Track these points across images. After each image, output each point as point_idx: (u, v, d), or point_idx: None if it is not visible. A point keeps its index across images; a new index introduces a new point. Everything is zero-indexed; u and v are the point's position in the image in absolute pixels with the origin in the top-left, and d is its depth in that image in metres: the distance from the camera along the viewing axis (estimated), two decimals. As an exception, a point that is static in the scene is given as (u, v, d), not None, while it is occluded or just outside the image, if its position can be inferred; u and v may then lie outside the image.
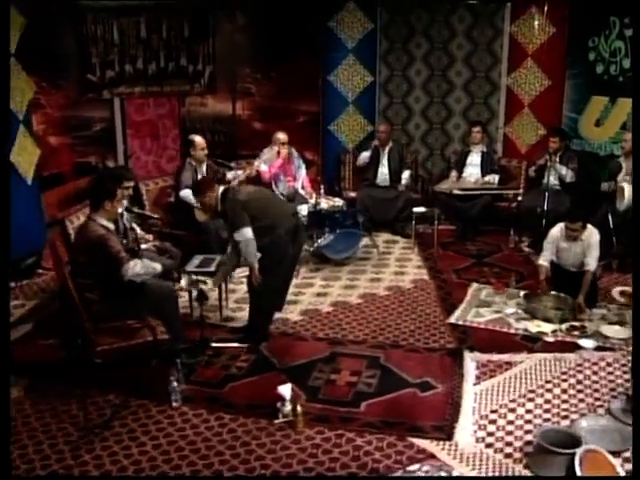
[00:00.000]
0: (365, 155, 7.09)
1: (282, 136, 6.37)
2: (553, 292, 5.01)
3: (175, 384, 3.77)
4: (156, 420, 3.65)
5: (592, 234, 4.96)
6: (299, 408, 3.54)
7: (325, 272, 5.87)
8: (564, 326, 4.69)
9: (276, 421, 3.57)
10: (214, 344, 4.47)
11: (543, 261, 5.09)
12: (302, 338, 4.63)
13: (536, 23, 7.51)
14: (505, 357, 4.31)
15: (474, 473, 3.19)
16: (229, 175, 6.02)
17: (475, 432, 3.51)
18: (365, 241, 6.26)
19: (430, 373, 4.10)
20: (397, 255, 6.30)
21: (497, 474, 3.18)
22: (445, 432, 3.50)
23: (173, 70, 7.96)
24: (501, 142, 8.05)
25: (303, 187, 6.47)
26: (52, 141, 7.10)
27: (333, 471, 3.21)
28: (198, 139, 5.82)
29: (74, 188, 7.63)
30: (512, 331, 4.71)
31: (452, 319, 4.89)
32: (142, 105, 7.89)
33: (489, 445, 3.41)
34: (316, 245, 5.85)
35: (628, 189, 5.79)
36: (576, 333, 4.62)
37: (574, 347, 4.45)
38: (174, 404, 3.77)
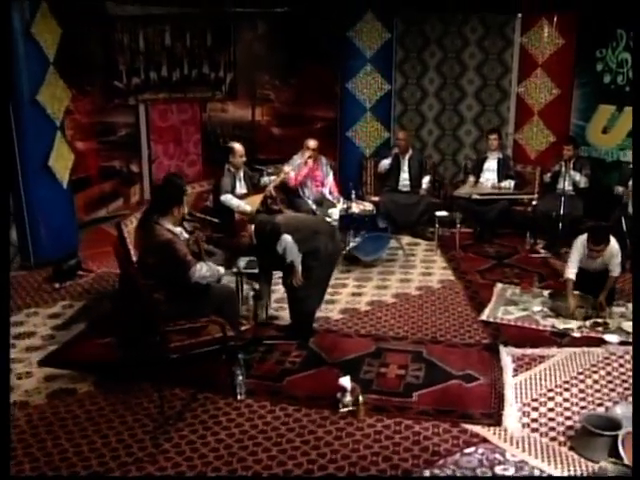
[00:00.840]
0: (385, 162, 7.39)
1: (312, 143, 6.65)
2: (576, 292, 5.33)
3: (240, 378, 4.03)
4: (225, 412, 3.92)
5: (612, 246, 5.20)
6: (361, 398, 3.83)
7: (356, 273, 6.17)
8: (588, 323, 5.03)
9: (342, 410, 3.85)
10: (266, 341, 4.73)
11: (571, 275, 5.23)
12: (346, 335, 4.92)
13: (546, 34, 7.85)
14: (537, 351, 4.64)
15: (524, 455, 3.51)
16: (264, 179, 6.29)
17: (520, 418, 3.84)
18: (392, 244, 6.55)
19: (471, 366, 4.41)
20: (421, 257, 6.61)
21: (545, 456, 3.50)
22: (494, 418, 3.82)
23: (196, 77, 8.26)
24: (511, 148, 8.39)
25: (331, 192, 6.74)
26: (80, 146, 7.34)
27: (397, 454, 3.51)
28: (237, 146, 6.08)
29: (99, 191, 7.89)
30: (540, 327, 5.04)
31: (483, 316, 5.21)
32: (165, 111, 8.17)
33: (535, 430, 3.74)
34: (349, 247, 6.14)
35: (638, 193, 6.14)
36: (600, 329, 4.96)
37: (599, 342, 4.79)
38: (239, 397, 4.04)
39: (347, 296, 5.63)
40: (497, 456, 3.50)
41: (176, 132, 8.30)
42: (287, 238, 4.59)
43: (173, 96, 8.16)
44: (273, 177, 6.30)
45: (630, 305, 5.44)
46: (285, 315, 5.23)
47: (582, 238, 5.26)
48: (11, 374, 4.24)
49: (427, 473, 3.36)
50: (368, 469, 3.40)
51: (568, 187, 6.83)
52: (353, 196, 6.43)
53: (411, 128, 8.74)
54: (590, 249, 5.16)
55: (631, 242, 6.14)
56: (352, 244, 6.16)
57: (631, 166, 6.56)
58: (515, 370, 4.40)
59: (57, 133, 6.40)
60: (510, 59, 8.31)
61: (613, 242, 5.23)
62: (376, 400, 4.02)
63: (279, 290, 5.64)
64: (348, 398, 3.89)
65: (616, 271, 5.20)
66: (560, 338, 4.86)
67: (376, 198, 7.21)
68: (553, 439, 3.65)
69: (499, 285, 5.85)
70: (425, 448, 3.56)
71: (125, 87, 7.75)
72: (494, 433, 3.69)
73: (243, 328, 4.70)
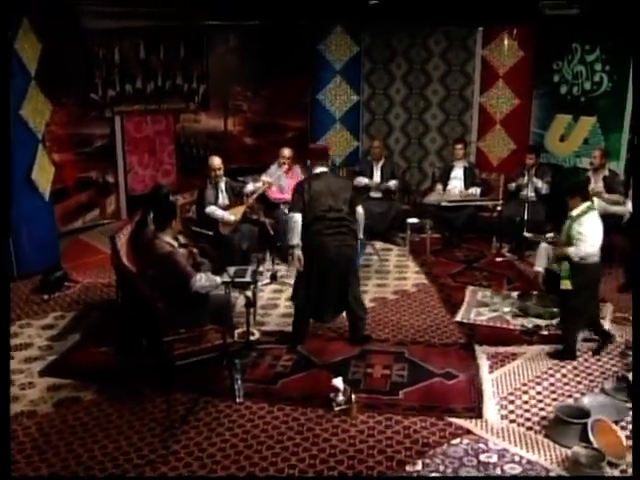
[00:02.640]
0: (361, 181, 7.63)
1: (287, 152, 6.93)
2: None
3: (239, 382, 4.28)
4: (226, 414, 4.17)
5: None
6: (354, 397, 4.14)
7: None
8: (554, 321, 5.45)
9: (336, 408, 4.15)
10: (259, 346, 4.99)
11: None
12: (332, 338, 5.22)
13: (506, 47, 8.31)
14: (510, 349, 5.03)
15: (505, 443, 3.88)
16: (249, 187, 6.50)
17: (499, 410, 4.21)
18: (367, 249, 6.87)
19: (450, 364, 4.77)
20: (395, 262, 6.95)
21: (523, 443, 3.87)
22: (475, 412, 4.18)
23: (170, 89, 8.42)
24: (474, 155, 8.83)
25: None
26: (57, 157, 7.43)
27: (391, 447, 3.84)
28: (213, 161, 6.31)
29: (76, 202, 8.00)
30: (511, 327, 5.43)
31: (458, 318, 5.59)
32: (140, 122, 8.31)
33: (512, 420, 4.11)
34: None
35: (597, 203, 6.60)
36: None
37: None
38: (238, 400, 4.29)
39: (329, 301, 5.91)
40: (481, 445, 3.85)
41: (150, 143, 8.45)
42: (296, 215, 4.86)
43: (148, 108, 8.30)
44: (258, 184, 6.50)
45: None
46: (271, 320, 5.50)
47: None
48: (14, 385, 4.39)
49: (419, 463, 3.68)
50: (365, 461, 3.71)
51: (530, 193, 7.28)
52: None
53: (379, 137, 9.09)
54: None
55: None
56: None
57: (588, 174, 7.02)
58: (491, 367, 4.77)
59: (39, 146, 6.50)
60: (472, 70, 8.75)
61: None
62: (366, 398, 4.33)
63: (262, 297, 5.93)
64: (341, 397, 4.19)
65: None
66: (530, 336, 5.26)
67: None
68: (530, 428, 4.03)
69: (470, 287, 6.23)
70: (415, 440, 3.88)
71: (101, 99, 7.87)
72: (476, 425, 4.05)
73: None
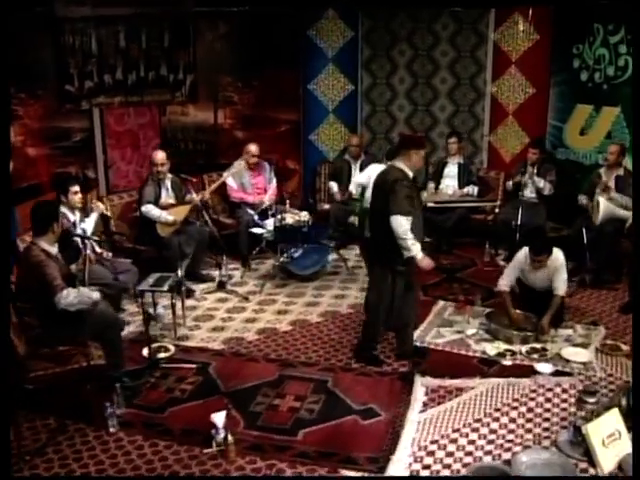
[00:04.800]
0: (334, 188, 6.94)
1: (253, 148, 6.33)
2: (518, 311, 4.87)
3: (110, 410, 3.71)
4: (90, 446, 3.60)
5: (557, 258, 4.80)
6: (230, 437, 3.47)
7: (290, 288, 5.79)
8: (524, 348, 4.57)
9: (205, 450, 3.49)
10: (164, 365, 4.40)
11: (504, 286, 4.89)
12: (254, 359, 4.56)
13: (520, 30, 7.34)
14: (457, 382, 4.19)
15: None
16: (188, 197, 5.90)
17: (410, 465, 3.41)
18: (335, 256, 6.15)
19: (376, 399, 4.00)
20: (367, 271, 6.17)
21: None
22: (379, 464, 3.40)
23: (153, 79, 7.89)
24: (486, 151, 7.91)
25: (271, 200, 6.37)
26: (30, 152, 7.08)
27: None
28: (156, 155, 5.79)
29: (53, 198, 7.65)
30: (470, 353, 4.59)
31: (410, 340, 4.77)
32: (122, 115, 7.85)
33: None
34: (281, 260, 5.76)
35: (603, 203, 5.64)
36: (535, 356, 4.49)
37: (531, 371, 4.31)
38: (111, 429, 3.71)
39: (271, 314, 5.26)
40: (367, 510, 3.09)
41: (134, 137, 7.98)
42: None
43: (129, 99, 7.83)
44: (194, 195, 5.87)
45: (579, 327, 4.96)
46: (198, 335, 4.90)
47: (525, 249, 4.83)
48: None
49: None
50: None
51: (530, 194, 6.36)
52: (287, 205, 6.04)
53: (381, 130, 8.34)
54: (532, 259, 4.72)
55: (590, 256, 5.66)
56: (286, 257, 5.75)
57: (599, 171, 6.04)
58: (425, 405, 3.96)
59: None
60: (484, 56, 7.81)
61: (558, 254, 4.78)
62: (257, 437, 3.65)
63: (201, 307, 5.34)
64: (221, 436, 3.53)
65: (561, 289, 4.73)
66: (488, 366, 4.41)
67: (327, 206, 6.80)
68: (440, 490, 3.23)
69: (440, 303, 5.40)
70: (289, 498, 3.17)
71: (77, 91, 7.46)
72: (374, 482, 3.28)
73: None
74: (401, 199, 4.04)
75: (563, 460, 3.41)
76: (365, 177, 5.57)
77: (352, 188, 5.92)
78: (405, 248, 4.11)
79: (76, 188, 4.89)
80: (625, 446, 3.41)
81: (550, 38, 7.27)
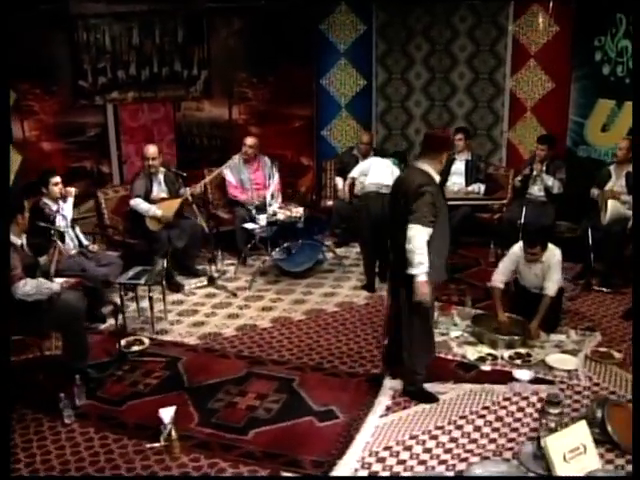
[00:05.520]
0: (339, 181, 6.79)
1: (250, 141, 6.30)
2: (507, 314, 4.63)
3: (65, 401, 3.69)
4: (42, 436, 3.60)
5: (553, 255, 4.55)
6: (174, 434, 3.39)
7: (282, 285, 5.69)
8: (507, 353, 4.32)
9: (148, 445, 3.43)
10: (133, 358, 4.37)
11: (498, 282, 4.69)
12: (225, 356, 4.47)
13: (539, 22, 7.03)
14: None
15: (336, 517, 2.95)
16: (182, 191, 5.87)
17: (356, 471, 3.25)
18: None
19: (339, 401, 3.85)
20: (362, 270, 6.00)
21: (361, 520, 2.92)
22: (323, 468, 3.26)
23: (167, 75, 7.94)
24: (505, 148, 7.62)
25: (273, 196, 6.27)
26: (45, 147, 7.23)
27: None
28: (148, 149, 5.79)
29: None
30: (449, 357, 4.38)
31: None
32: (136, 110, 7.92)
33: (367, 486, 3.15)
34: (272, 255, 5.67)
35: (611, 203, 5.31)
36: (518, 362, 4.24)
37: (510, 378, 4.07)
38: (66, 421, 3.70)
39: (255, 310, 5.17)
40: (300, 516, 2.96)
41: (148, 132, 8.03)
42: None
43: (143, 95, 7.89)
44: (187, 189, 5.84)
45: (573, 333, 4.67)
46: (177, 329, 4.86)
47: (521, 242, 4.60)
48: None
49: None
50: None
51: (539, 193, 6.06)
52: (279, 200, 5.95)
53: (396, 126, 8.15)
54: (525, 251, 4.53)
55: (596, 257, 5.35)
56: (275, 253, 5.65)
57: (609, 167, 5.71)
58: (388, 409, 3.79)
59: (-5, 134, 6.28)
60: (504, 50, 7.51)
61: (554, 251, 4.54)
62: (207, 435, 3.56)
63: (188, 301, 5.31)
64: (167, 431, 3.45)
65: (551, 289, 4.47)
66: (465, 371, 4.19)
67: (331, 202, 6.66)
68: (382, 499, 3.06)
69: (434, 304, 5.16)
70: (222, 499, 3.07)
71: (91, 87, 7.57)
72: (313, 486, 3.14)
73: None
74: (424, 207, 3.52)
75: (520, 474, 3.19)
76: (366, 166, 5.57)
77: (355, 174, 5.79)
78: (411, 262, 3.54)
79: (56, 179, 4.94)
80: (591, 462, 3.16)
81: (570, 30, 6.92)
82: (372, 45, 7.78)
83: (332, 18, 7.55)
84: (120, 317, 4.79)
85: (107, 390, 4.05)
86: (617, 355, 4.29)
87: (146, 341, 4.60)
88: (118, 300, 4.97)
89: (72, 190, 5.05)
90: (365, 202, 5.40)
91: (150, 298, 4.76)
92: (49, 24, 6.98)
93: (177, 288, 5.54)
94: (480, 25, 7.60)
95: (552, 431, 3.27)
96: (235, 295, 5.45)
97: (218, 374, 4.19)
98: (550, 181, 5.94)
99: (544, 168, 6.03)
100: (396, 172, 5.55)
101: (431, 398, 3.85)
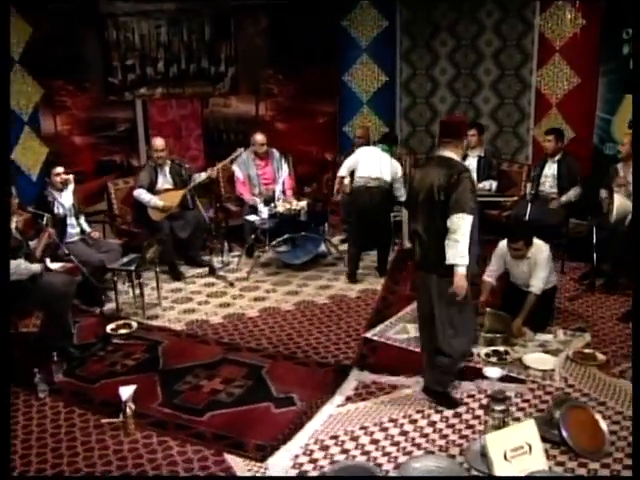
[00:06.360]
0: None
1: (259, 137, 6.35)
2: (489, 309, 4.51)
3: (40, 376, 3.89)
4: (15, 408, 3.78)
5: (540, 251, 4.42)
6: (128, 411, 3.52)
7: (280, 276, 5.76)
8: (484, 351, 4.22)
9: (104, 420, 3.58)
10: (116, 341, 4.54)
11: (487, 277, 4.61)
12: (205, 342, 4.58)
13: (565, 15, 6.79)
14: (393, 379, 3.96)
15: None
16: (195, 176, 6.08)
17: (297, 457, 3.27)
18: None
19: (301, 389, 3.88)
20: (367, 263, 5.99)
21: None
22: (265, 452, 3.30)
23: (194, 72, 8.18)
24: (531, 146, 7.41)
25: (283, 190, 6.34)
26: (77, 141, 7.60)
27: (122, 469, 3.22)
28: (156, 141, 5.99)
29: (99, 185, 8.12)
30: (425, 352, 4.30)
31: (369, 334, 4.58)
32: (164, 106, 8.20)
33: (303, 472, 3.16)
34: (271, 246, 5.74)
35: (618, 199, 5.09)
36: (494, 359, 4.14)
37: (480, 375, 3.98)
38: (40, 395, 3.90)
39: (247, 300, 5.27)
40: (229, 495, 3.01)
41: (176, 127, 8.31)
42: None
43: (171, 91, 8.17)
44: (203, 174, 6.05)
45: (561, 332, 4.51)
46: (167, 315, 5.01)
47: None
48: None
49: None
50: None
51: (551, 189, 5.87)
52: (288, 193, 6.01)
53: (421, 123, 8.08)
54: (508, 247, 4.44)
55: (600, 257, 5.14)
56: (274, 246, 5.72)
57: (617, 165, 5.48)
58: (348, 399, 3.79)
59: (25, 128, 6.65)
60: (530, 45, 7.31)
61: (541, 247, 4.42)
62: (165, 415, 3.68)
63: (185, 289, 5.46)
64: (127, 410, 3.58)
65: (536, 287, 4.33)
66: (437, 367, 4.11)
67: (339, 197, 6.66)
68: (314, 485, 3.07)
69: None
70: (170, 470, 3.20)
71: (120, 83, 7.90)
72: (250, 469, 3.19)
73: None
74: (466, 194, 3.38)
75: (462, 471, 3.13)
76: (353, 160, 5.53)
77: (343, 172, 5.69)
78: (455, 253, 3.37)
79: (57, 170, 5.18)
80: (535, 463, 3.06)
81: (598, 23, 6.65)
82: (394, 41, 7.77)
83: (354, 14, 7.55)
84: (114, 302, 4.97)
85: (86, 369, 4.23)
86: (600, 357, 4.11)
87: (134, 325, 4.77)
88: (120, 286, 5.18)
89: (71, 178, 5.28)
90: (352, 196, 5.40)
91: (140, 284, 4.94)
92: (81, 23, 7.34)
93: (178, 277, 5.70)
94: (506, 20, 7.43)
95: (498, 428, 3.18)
96: (232, 285, 5.55)
97: (193, 358, 4.31)
98: (565, 197, 5.75)
99: (555, 164, 5.83)
100: (386, 158, 5.51)
101: (454, 403, 3.68)
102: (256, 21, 8.23)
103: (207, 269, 5.84)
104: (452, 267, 3.41)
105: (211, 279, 5.72)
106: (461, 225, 3.35)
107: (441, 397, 3.69)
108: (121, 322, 4.81)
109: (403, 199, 5.33)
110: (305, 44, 7.99)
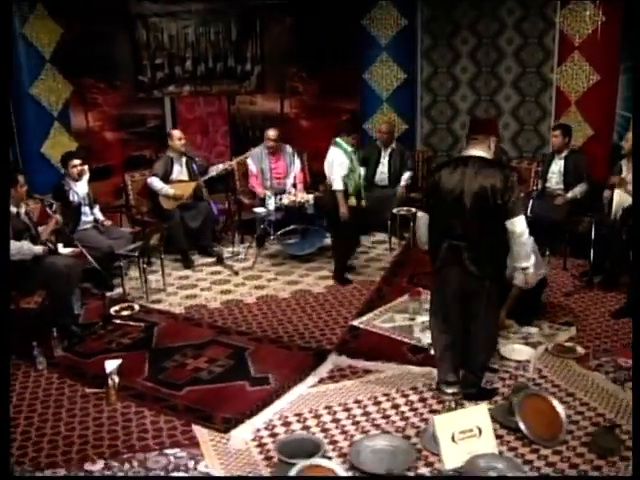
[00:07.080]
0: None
1: (271, 133, 6.56)
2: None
3: (38, 350, 4.19)
4: (14, 377, 4.10)
5: None
6: (110, 382, 3.77)
7: (284, 267, 5.93)
8: (463, 341, 4.27)
9: (88, 390, 3.85)
10: (116, 321, 4.82)
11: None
12: (199, 324, 4.80)
13: (585, 11, 6.72)
14: (370, 364, 4.08)
15: (217, 463, 3.17)
16: (219, 166, 6.34)
17: (259, 431, 3.44)
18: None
19: (277, 370, 4.04)
20: (371, 256, 6.10)
21: (238, 472, 3.12)
22: (230, 425, 3.48)
23: (221, 71, 8.47)
24: (551, 145, 7.34)
25: (295, 184, 6.53)
26: (108, 136, 8.00)
27: (98, 434, 3.47)
28: (174, 132, 6.26)
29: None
30: (406, 340, 4.41)
31: (355, 322, 4.71)
32: (192, 104, 8.51)
33: (261, 445, 3.33)
34: (277, 237, 5.92)
35: (617, 194, 5.05)
36: (471, 350, 4.18)
37: (456, 364, 4.04)
38: (39, 367, 4.20)
39: (248, 288, 5.47)
40: (188, 463, 3.21)
41: (203, 124, 8.61)
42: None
43: (198, 89, 8.47)
44: (220, 165, 6.31)
45: (547, 326, 4.52)
46: (170, 300, 5.26)
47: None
48: None
49: (101, 463, 3.21)
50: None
51: (557, 186, 5.84)
52: (300, 187, 6.21)
53: (442, 120, 8.12)
54: None
55: (597, 253, 5.11)
56: (279, 237, 5.91)
57: (622, 160, 5.41)
58: (321, 381, 3.93)
59: (54, 123, 7.06)
60: (552, 43, 7.26)
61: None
62: (147, 388, 3.92)
63: (190, 276, 5.70)
64: (110, 381, 3.84)
65: (518, 278, 4.33)
66: (414, 354, 4.21)
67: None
68: (268, 458, 3.22)
69: (423, 292, 5.18)
70: (140, 438, 3.42)
71: (149, 81, 8.25)
72: (212, 439, 3.38)
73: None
74: (518, 194, 3.38)
75: (410, 449, 3.22)
76: (337, 166, 5.42)
77: (340, 185, 5.37)
78: (526, 255, 3.44)
79: (75, 162, 5.50)
80: (482, 446, 3.12)
81: (619, 19, 6.55)
82: (414, 39, 7.82)
83: (373, 13, 7.66)
84: (121, 286, 5.26)
85: (84, 345, 4.51)
86: (580, 350, 4.11)
87: (136, 307, 5.04)
88: (132, 271, 5.48)
89: (86, 168, 5.60)
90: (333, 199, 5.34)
91: (144, 269, 5.21)
92: (113, 24, 7.72)
93: (189, 265, 5.96)
94: (528, 17, 7.39)
95: (448, 410, 3.27)
96: (236, 274, 5.77)
97: (184, 339, 4.53)
98: (571, 194, 5.71)
99: (562, 162, 5.80)
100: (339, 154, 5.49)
101: (492, 393, 3.73)
102: (281, 20, 8.44)
103: (215, 258, 6.06)
104: (503, 273, 3.56)
105: (218, 267, 5.95)
106: (524, 227, 3.39)
107: (480, 396, 3.66)
108: (125, 304, 5.08)
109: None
110: (326, 43, 8.15)
